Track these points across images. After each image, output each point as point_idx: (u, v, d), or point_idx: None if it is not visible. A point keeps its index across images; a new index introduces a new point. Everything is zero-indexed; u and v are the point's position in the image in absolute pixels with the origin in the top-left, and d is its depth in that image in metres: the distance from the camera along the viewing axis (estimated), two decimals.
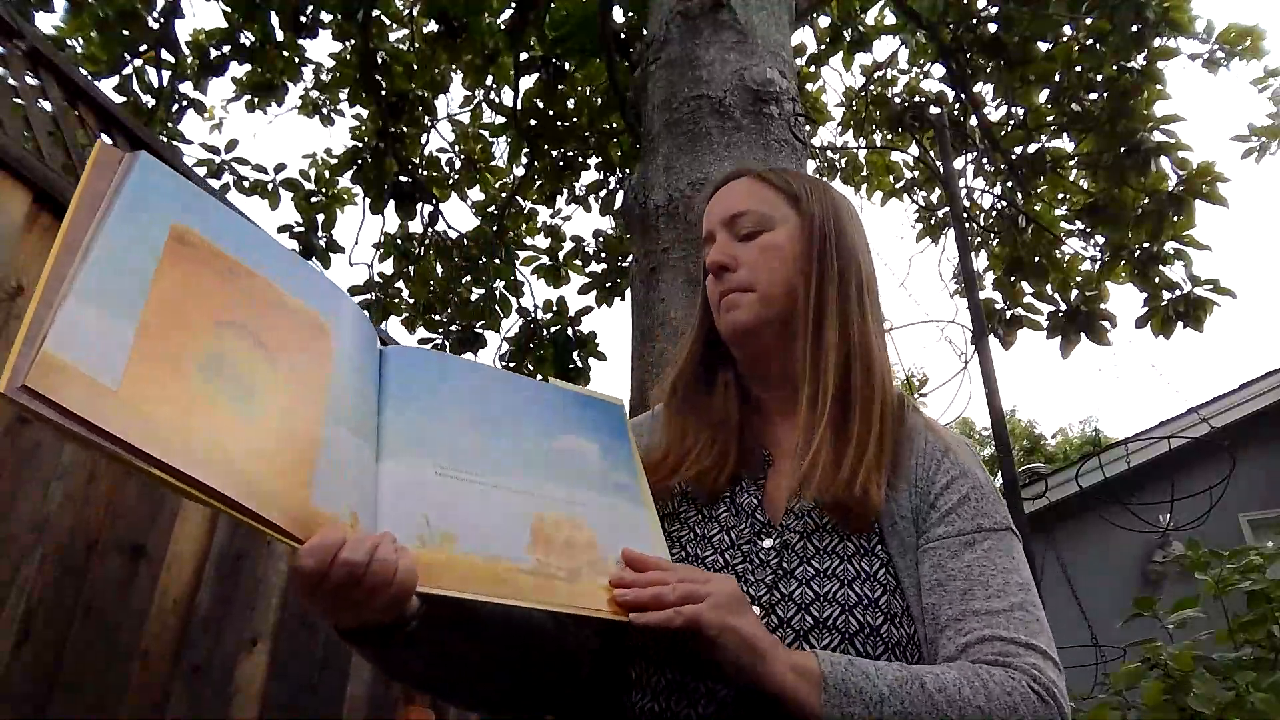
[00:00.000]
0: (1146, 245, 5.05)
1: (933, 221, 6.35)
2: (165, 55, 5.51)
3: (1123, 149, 4.96)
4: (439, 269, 6.49)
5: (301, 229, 6.17)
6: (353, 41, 5.78)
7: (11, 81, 2.66)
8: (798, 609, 0.83)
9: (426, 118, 6.25)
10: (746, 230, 1.00)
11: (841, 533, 0.88)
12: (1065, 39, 5.18)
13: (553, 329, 6.15)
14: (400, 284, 6.55)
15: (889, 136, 6.37)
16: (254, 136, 25.55)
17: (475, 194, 6.76)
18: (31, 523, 1.45)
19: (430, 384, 0.84)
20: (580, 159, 6.27)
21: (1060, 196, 5.73)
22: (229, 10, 5.60)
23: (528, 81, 5.74)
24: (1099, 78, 5.09)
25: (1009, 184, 5.78)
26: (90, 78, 3.65)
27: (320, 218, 6.26)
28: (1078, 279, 5.35)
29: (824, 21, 6.25)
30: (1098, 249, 5.38)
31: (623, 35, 5.20)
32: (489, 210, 6.66)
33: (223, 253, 0.72)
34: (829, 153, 6.73)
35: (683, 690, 0.81)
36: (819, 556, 0.86)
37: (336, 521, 0.66)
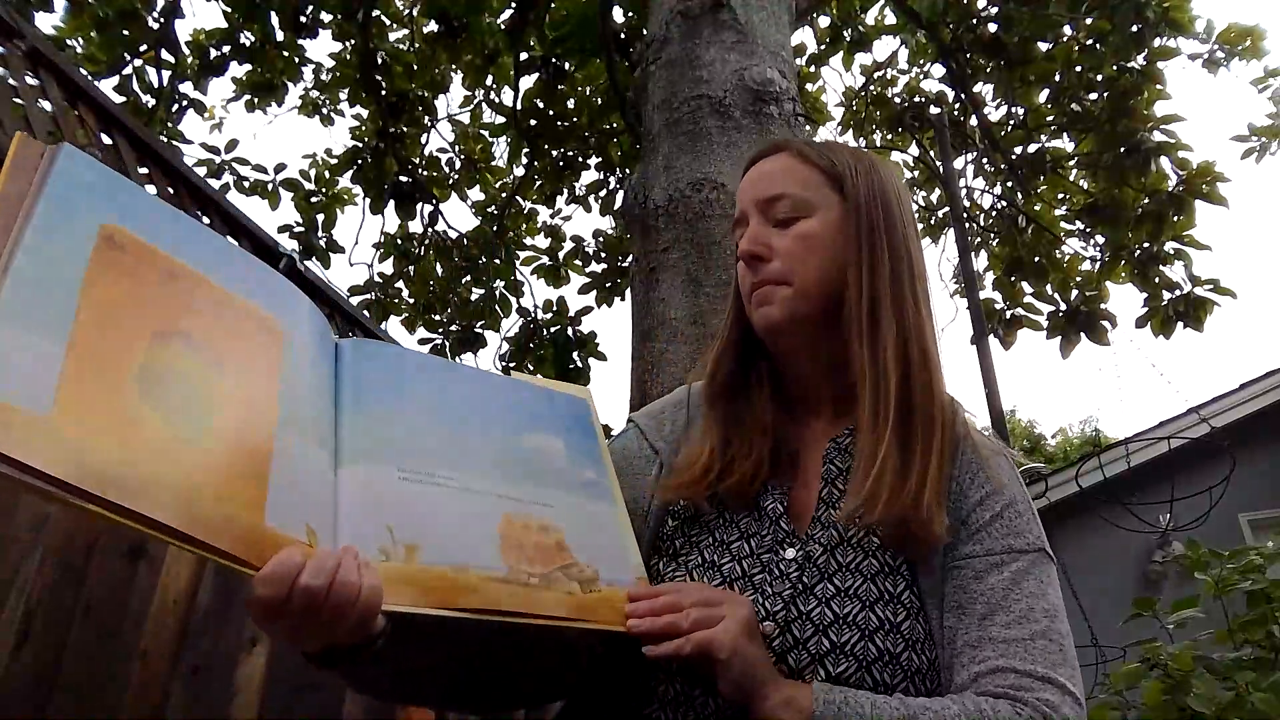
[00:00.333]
0: (1146, 245, 5.05)
1: (933, 221, 6.36)
2: (165, 55, 5.51)
3: (1123, 149, 4.97)
4: (439, 269, 6.50)
5: (301, 229, 6.18)
6: (353, 41, 5.79)
7: (11, 81, 2.66)
8: (815, 631, 0.78)
9: (426, 118, 6.26)
10: (783, 216, 0.91)
11: (866, 548, 0.82)
12: (1065, 39, 5.18)
13: (553, 329, 6.16)
14: (400, 284, 6.56)
15: (889, 136, 6.37)
16: (254, 136, 25.55)
17: (475, 194, 6.78)
18: (31, 523, 1.45)
19: (389, 380, 0.79)
20: (580, 159, 6.28)
21: (1060, 196, 5.74)
22: (229, 10, 5.61)
23: (528, 81, 5.75)
24: (1099, 78, 5.09)
25: (1009, 184, 5.79)
26: (90, 78, 3.65)
27: (320, 218, 6.27)
28: (1078, 279, 5.35)
29: (824, 21, 6.26)
30: (1098, 249, 5.39)
31: (623, 35, 5.21)
32: (489, 210, 6.67)
33: (158, 252, 0.66)
34: None
35: (690, 703, 0.78)
36: (841, 574, 0.81)
37: (293, 542, 0.61)
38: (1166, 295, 5.01)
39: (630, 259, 2.91)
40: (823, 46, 6.35)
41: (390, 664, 0.70)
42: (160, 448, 0.57)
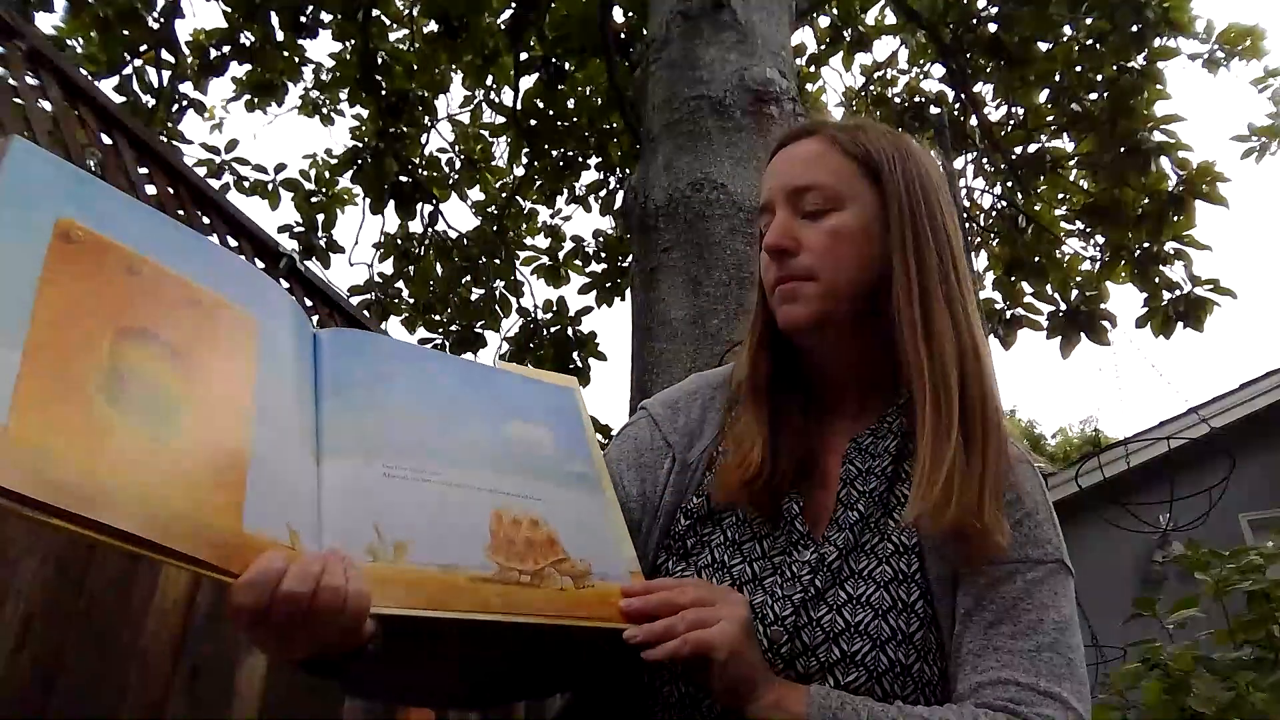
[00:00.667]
0: (1146, 245, 5.05)
1: None
2: (165, 55, 5.51)
3: (1123, 149, 4.96)
4: (439, 269, 6.50)
5: (301, 229, 6.17)
6: (353, 41, 5.79)
7: (11, 81, 2.65)
8: (825, 638, 0.76)
9: (426, 118, 6.26)
10: (813, 208, 0.85)
11: (881, 554, 0.80)
12: (1065, 39, 5.18)
13: (553, 329, 6.16)
14: (400, 284, 6.56)
15: None
16: (254, 136, 25.56)
17: (475, 194, 6.77)
18: (31, 523, 1.44)
19: (372, 371, 0.76)
20: (580, 159, 6.28)
21: (1060, 196, 5.73)
22: (229, 10, 5.61)
23: (528, 81, 5.75)
24: (1099, 78, 5.09)
25: (1009, 184, 5.78)
26: (90, 78, 3.65)
27: (320, 218, 6.26)
28: (1078, 279, 5.35)
29: (824, 21, 6.26)
30: (1098, 249, 5.38)
31: (623, 35, 5.21)
32: (489, 210, 6.67)
33: (119, 246, 0.62)
34: None
35: (696, 706, 0.77)
36: (854, 580, 0.79)
37: (275, 546, 0.58)
38: (1166, 295, 5.00)
39: (630, 259, 2.90)
40: (823, 46, 6.35)
41: (383, 667, 0.68)
42: (127, 454, 0.54)
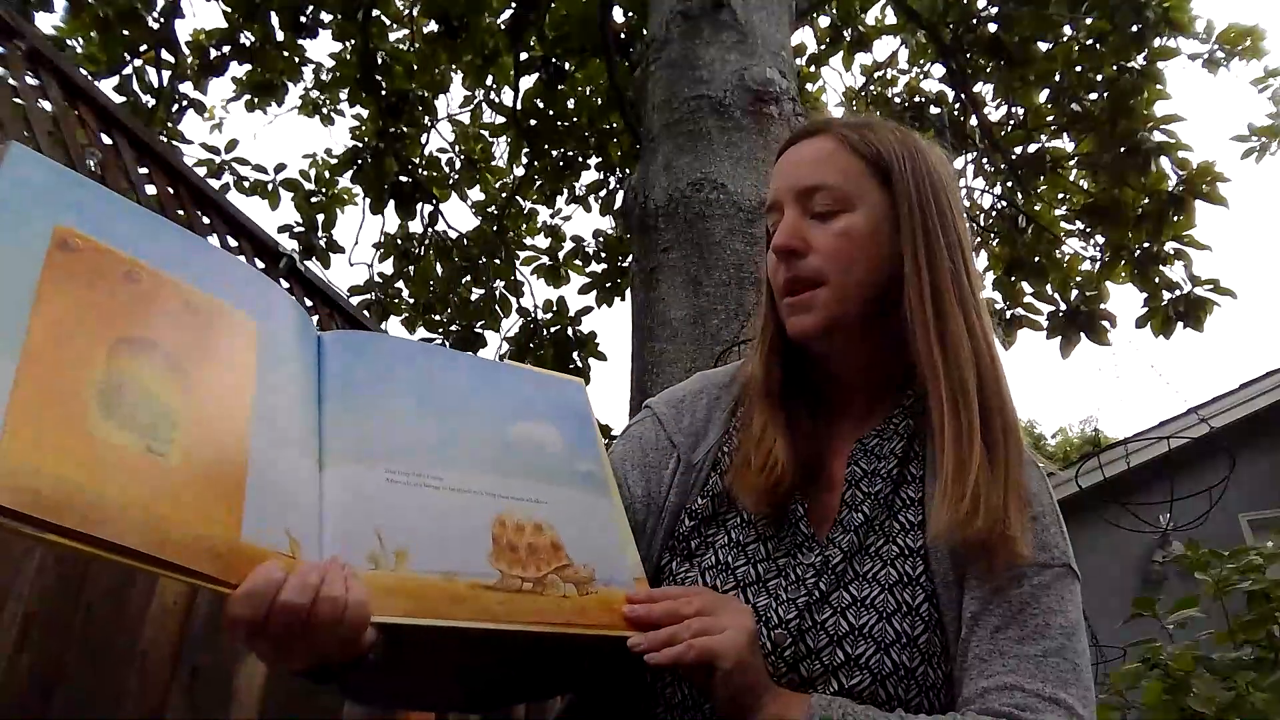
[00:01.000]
0: (1146, 245, 5.05)
1: None
2: (165, 55, 5.51)
3: (1123, 149, 4.96)
4: (439, 269, 6.50)
5: (301, 229, 6.17)
6: (353, 41, 5.79)
7: (11, 81, 2.65)
8: (829, 641, 0.75)
9: (426, 118, 6.26)
10: (822, 209, 0.84)
11: (885, 557, 0.79)
12: (1065, 39, 5.18)
13: (553, 329, 6.16)
14: (400, 284, 6.57)
15: None
16: (254, 136, 25.55)
17: (475, 194, 6.78)
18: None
19: (376, 373, 0.75)
20: (580, 159, 6.28)
21: (1060, 196, 5.73)
22: (229, 10, 5.61)
23: (528, 81, 5.75)
24: (1099, 78, 5.09)
25: (1009, 184, 5.78)
26: (90, 78, 3.65)
27: (320, 218, 6.26)
28: (1078, 279, 5.35)
29: (824, 21, 6.26)
30: (1098, 249, 5.38)
31: (623, 35, 5.21)
32: (489, 210, 6.67)
33: (117, 253, 0.61)
34: None
35: (698, 708, 0.77)
36: (858, 582, 0.78)
37: (273, 556, 0.58)
38: (1166, 295, 5.00)
39: (630, 259, 2.90)
40: (823, 46, 6.35)
41: (383, 674, 0.67)
42: (124, 466, 0.54)
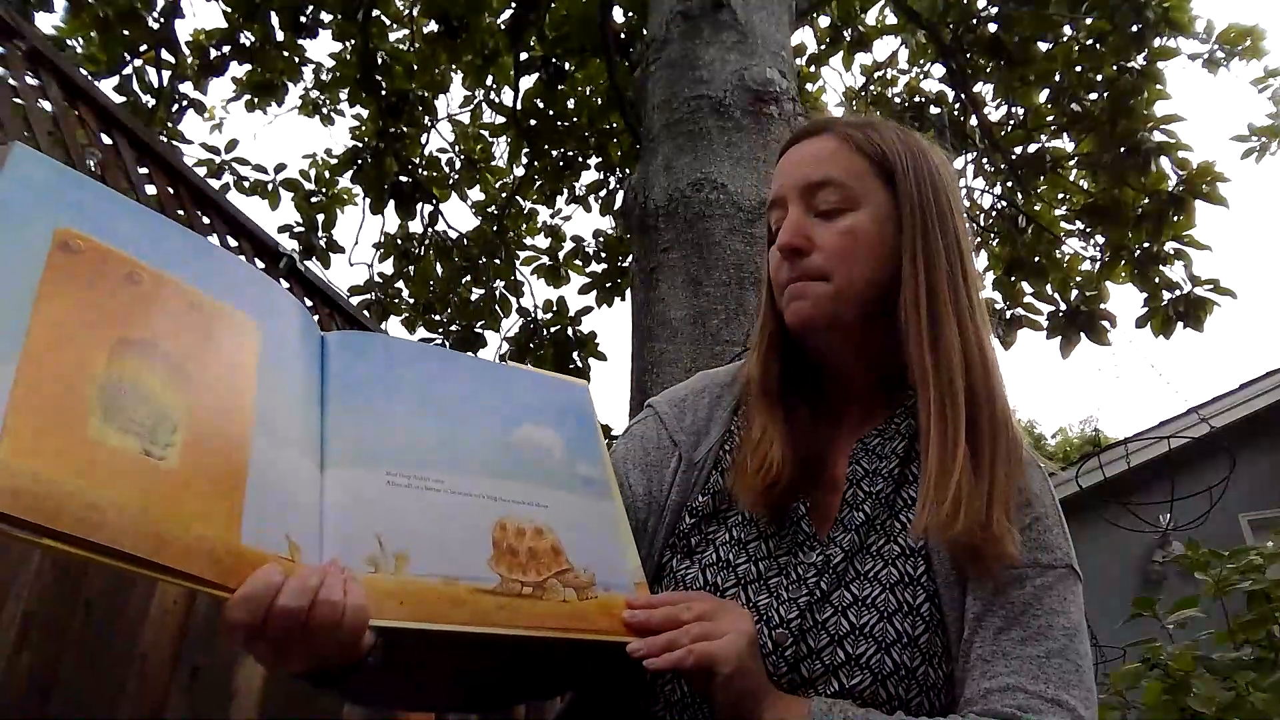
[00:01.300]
0: (1146, 245, 5.05)
1: None
2: (165, 55, 5.51)
3: (1123, 149, 4.96)
4: (439, 269, 6.50)
5: (301, 229, 6.18)
6: (353, 41, 5.79)
7: (11, 81, 2.65)
8: (830, 641, 0.75)
9: (426, 118, 6.26)
10: (826, 207, 0.84)
11: (886, 556, 0.79)
12: (1065, 39, 5.18)
13: (553, 329, 6.16)
14: (400, 284, 6.57)
15: None
16: (254, 136, 25.55)
17: (475, 194, 6.78)
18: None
19: (378, 375, 0.74)
20: (580, 159, 6.28)
21: (1060, 196, 5.73)
22: (229, 10, 5.61)
23: (528, 81, 5.75)
24: (1099, 78, 5.08)
25: (1009, 184, 5.78)
26: (90, 78, 3.65)
27: (320, 218, 6.26)
28: (1078, 279, 5.35)
29: (824, 21, 6.25)
30: (1098, 249, 5.38)
31: (623, 35, 5.21)
32: (489, 210, 6.67)
33: (118, 254, 0.61)
34: None
35: (698, 706, 0.76)
36: (859, 582, 0.78)
37: (272, 559, 0.58)
38: (1166, 295, 5.00)
39: (630, 259, 2.90)
40: (823, 46, 6.35)
41: (383, 677, 0.67)
42: (123, 470, 0.53)
